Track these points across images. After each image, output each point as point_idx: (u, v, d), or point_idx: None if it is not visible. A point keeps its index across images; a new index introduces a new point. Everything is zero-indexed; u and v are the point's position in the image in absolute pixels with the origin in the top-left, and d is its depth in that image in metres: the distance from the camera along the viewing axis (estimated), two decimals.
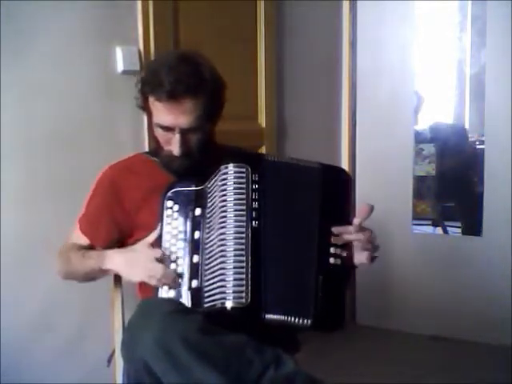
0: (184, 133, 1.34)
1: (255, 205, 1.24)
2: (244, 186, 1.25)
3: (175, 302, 1.21)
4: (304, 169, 1.33)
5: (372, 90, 3.02)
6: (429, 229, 3.14)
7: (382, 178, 3.00)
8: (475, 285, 2.82)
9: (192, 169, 1.39)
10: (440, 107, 3.25)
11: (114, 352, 1.44)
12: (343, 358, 2.61)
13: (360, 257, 1.29)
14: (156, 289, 1.28)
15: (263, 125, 2.58)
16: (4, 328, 1.74)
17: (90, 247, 1.46)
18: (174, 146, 1.36)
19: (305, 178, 1.32)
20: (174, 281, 1.26)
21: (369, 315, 3.09)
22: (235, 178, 1.25)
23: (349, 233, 1.28)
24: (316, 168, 1.33)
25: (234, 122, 2.25)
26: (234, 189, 1.25)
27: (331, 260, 1.26)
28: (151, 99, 1.36)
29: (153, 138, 1.45)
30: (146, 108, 1.40)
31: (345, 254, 1.28)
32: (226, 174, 1.26)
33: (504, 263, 2.73)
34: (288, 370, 1.12)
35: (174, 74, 1.30)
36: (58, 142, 1.85)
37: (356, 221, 1.29)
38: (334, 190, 1.32)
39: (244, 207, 1.23)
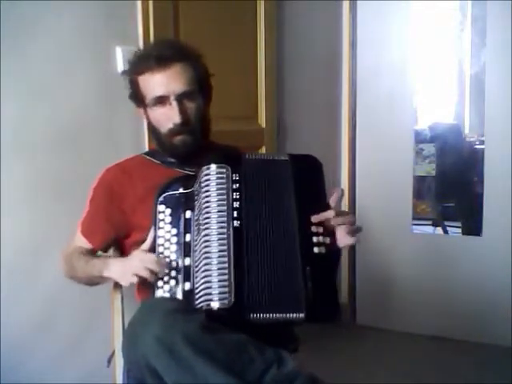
0: (179, 99, 1.39)
1: (236, 204, 1.26)
2: (225, 186, 1.27)
3: (177, 301, 1.22)
4: (274, 162, 1.35)
5: (372, 90, 3.02)
6: (429, 229, 3.14)
7: (382, 178, 3.00)
8: (475, 285, 2.81)
9: (195, 145, 1.43)
10: (440, 107, 3.25)
11: (114, 352, 1.44)
12: (343, 358, 2.61)
13: (344, 240, 1.30)
14: (153, 291, 1.27)
15: (263, 125, 2.58)
16: (4, 328, 1.74)
17: (92, 250, 1.47)
18: (173, 116, 1.40)
19: (276, 173, 1.33)
20: (165, 267, 1.26)
21: (369, 315, 3.09)
22: (217, 178, 1.27)
23: (327, 218, 1.29)
24: (283, 160, 1.35)
25: (234, 122, 2.26)
26: (216, 190, 1.27)
27: (315, 249, 1.27)
28: (142, 78, 1.42)
29: (150, 128, 1.49)
30: (138, 96, 1.45)
31: (328, 241, 1.29)
32: (208, 175, 1.28)
33: (504, 263, 2.73)
34: (289, 370, 1.12)
35: (158, 46, 1.46)
36: (58, 141, 1.85)
37: (331, 205, 1.31)
38: (305, 178, 1.33)
39: (225, 207, 1.25)
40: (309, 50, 2.86)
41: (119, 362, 1.41)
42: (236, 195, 1.26)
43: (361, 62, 3.04)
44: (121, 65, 1.97)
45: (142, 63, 1.42)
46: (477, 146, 2.95)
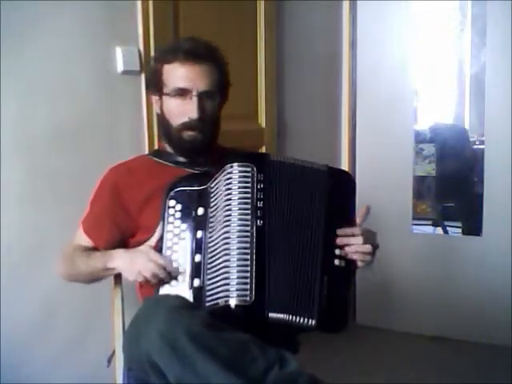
0: (200, 96, 1.40)
1: (260, 204, 1.24)
2: (249, 185, 1.25)
3: (181, 298, 1.22)
4: (310, 170, 1.33)
5: (372, 90, 3.02)
6: (429, 229, 3.14)
7: (382, 178, 3.00)
8: (475, 285, 2.82)
9: (203, 144, 1.43)
10: (440, 107, 3.25)
11: (114, 352, 1.44)
12: (343, 358, 2.61)
13: (359, 261, 1.30)
14: (157, 288, 1.28)
15: (263, 125, 2.58)
16: (4, 328, 1.74)
17: (94, 248, 1.47)
18: (190, 110, 1.40)
19: (311, 180, 1.32)
20: (171, 274, 1.26)
21: (369, 315, 3.09)
22: (240, 177, 1.26)
23: (352, 235, 1.29)
24: (323, 170, 1.34)
25: (234, 122, 2.25)
26: (239, 188, 1.25)
27: (336, 262, 1.27)
28: (167, 67, 1.43)
29: (161, 121, 1.50)
30: (158, 83, 1.45)
31: (349, 256, 1.29)
32: (231, 173, 1.26)
33: (504, 263, 2.73)
34: (291, 370, 1.12)
35: (191, 42, 1.45)
36: (58, 141, 1.85)
37: (358, 222, 1.31)
38: (339, 192, 1.33)
39: (249, 206, 1.24)
40: (309, 50, 2.86)
41: (119, 361, 1.41)
42: (260, 195, 1.25)
43: (361, 62, 3.04)
44: (121, 65, 1.97)
45: (172, 53, 1.43)
46: (477, 146, 2.95)
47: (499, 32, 2.68)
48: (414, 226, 3.03)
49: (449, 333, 2.86)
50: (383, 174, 3.00)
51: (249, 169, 1.26)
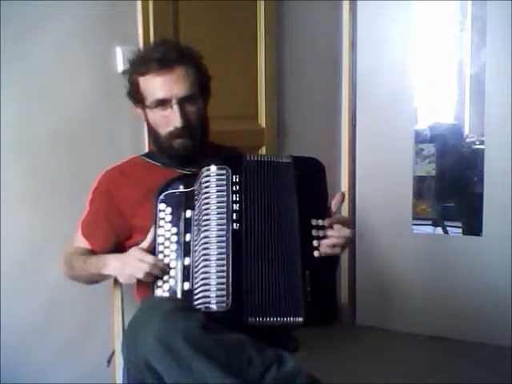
0: (181, 102, 1.38)
1: (236, 207, 1.25)
2: (225, 188, 1.26)
3: (177, 301, 1.22)
4: (276, 165, 1.33)
5: (372, 90, 3.02)
6: (429, 229, 3.14)
7: (382, 178, 3.00)
8: (475, 285, 2.81)
9: (194, 148, 1.42)
10: (440, 107, 3.25)
11: (114, 352, 1.44)
12: (343, 358, 2.61)
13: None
14: (152, 290, 1.27)
15: (263, 125, 2.58)
16: (4, 328, 1.74)
17: (92, 251, 1.47)
18: (174, 119, 1.39)
19: (279, 175, 1.32)
20: (164, 270, 1.25)
21: (369, 315, 3.09)
22: (217, 180, 1.27)
23: (328, 226, 1.29)
24: (285, 162, 1.34)
25: (234, 122, 2.26)
26: (217, 191, 1.26)
27: (315, 253, 1.27)
28: (143, 79, 1.41)
29: (149, 130, 1.48)
30: (138, 96, 1.44)
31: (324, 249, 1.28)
32: (208, 176, 1.27)
33: (504, 263, 2.73)
34: (289, 370, 1.12)
35: (161, 48, 1.41)
36: (58, 142, 1.85)
37: (332, 208, 1.31)
38: (307, 181, 1.33)
39: (225, 210, 1.24)
40: (309, 50, 2.86)
41: (119, 362, 1.41)
42: (236, 197, 1.25)
43: (361, 62, 3.04)
44: (121, 65, 1.97)
45: (144, 64, 1.40)
46: (477, 146, 2.95)
47: (499, 32, 2.68)
48: (414, 226, 3.03)
49: (449, 333, 2.85)
50: (383, 173, 3.00)
51: (224, 171, 1.27)
